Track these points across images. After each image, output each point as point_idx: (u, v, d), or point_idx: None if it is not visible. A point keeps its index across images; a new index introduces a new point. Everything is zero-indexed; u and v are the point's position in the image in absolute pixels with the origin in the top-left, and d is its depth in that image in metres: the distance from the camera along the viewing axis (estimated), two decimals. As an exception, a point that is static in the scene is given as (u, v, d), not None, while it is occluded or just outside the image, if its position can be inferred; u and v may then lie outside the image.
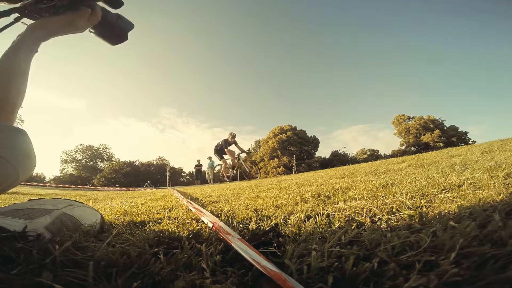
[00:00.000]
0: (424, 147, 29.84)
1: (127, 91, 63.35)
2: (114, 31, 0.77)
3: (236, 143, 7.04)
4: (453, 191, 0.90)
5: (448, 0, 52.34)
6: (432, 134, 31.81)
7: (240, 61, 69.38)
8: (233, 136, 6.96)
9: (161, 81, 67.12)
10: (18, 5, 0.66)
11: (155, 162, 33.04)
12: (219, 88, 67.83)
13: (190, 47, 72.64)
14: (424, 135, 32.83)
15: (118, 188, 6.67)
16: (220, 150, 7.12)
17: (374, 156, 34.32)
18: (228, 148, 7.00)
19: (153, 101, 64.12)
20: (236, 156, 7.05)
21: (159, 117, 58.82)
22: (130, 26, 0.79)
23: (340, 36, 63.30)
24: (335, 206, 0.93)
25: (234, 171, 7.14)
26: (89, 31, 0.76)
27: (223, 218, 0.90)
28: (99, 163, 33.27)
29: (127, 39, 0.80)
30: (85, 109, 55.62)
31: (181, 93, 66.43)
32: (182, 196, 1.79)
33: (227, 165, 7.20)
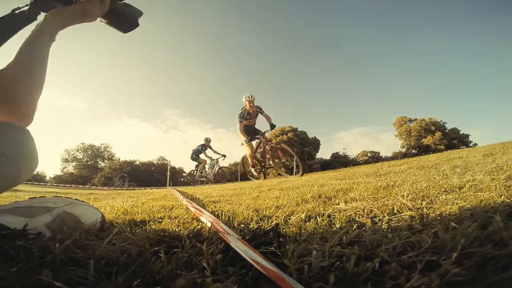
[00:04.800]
0: (425, 150, 29.67)
1: (131, 92, 63.42)
2: (124, 18, 0.81)
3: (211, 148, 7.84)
4: (454, 192, 0.90)
5: (449, 3, 52.49)
6: (434, 137, 31.73)
7: (242, 63, 69.63)
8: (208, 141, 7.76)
9: (165, 82, 67.21)
10: None
11: (155, 162, 33.05)
12: (222, 89, 68.02)
13: (194, 49, 72.97)
14: (425, 137, 32.74)
15: (119, 188, 6.67)
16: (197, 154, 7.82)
17: (375, 158, 34.25)
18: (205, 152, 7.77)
19: (157, 101, 64.11)
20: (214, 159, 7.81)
21: (163, 117, 58.71)
22: (139, 13, 0.83)
23: (342, 39, 63.44)
24: (336, 207, 0.92)
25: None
26: (100, 20, 0.78)
27: (223, 218, 0.90)
28: (99, 162, 33.33)
29: (138, 25, 0.83)
30: (88, 109, 55.65)
31: (185, 94, 66.39)
32: (182, 196, 1.79)
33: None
